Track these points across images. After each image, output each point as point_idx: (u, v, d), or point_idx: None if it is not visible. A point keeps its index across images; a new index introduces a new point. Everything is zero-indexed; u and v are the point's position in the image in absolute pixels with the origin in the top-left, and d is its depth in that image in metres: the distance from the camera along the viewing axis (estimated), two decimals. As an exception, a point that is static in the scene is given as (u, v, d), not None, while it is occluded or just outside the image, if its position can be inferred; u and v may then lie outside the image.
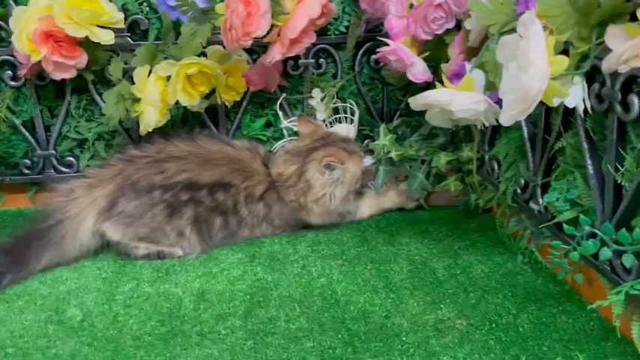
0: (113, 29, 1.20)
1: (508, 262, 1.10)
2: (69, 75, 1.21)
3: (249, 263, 1.16)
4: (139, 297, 1.06)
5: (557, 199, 0.86)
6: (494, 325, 0.93)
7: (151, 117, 1.16)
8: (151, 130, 1.19)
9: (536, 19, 0.71)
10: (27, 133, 1.34)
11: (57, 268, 1.15)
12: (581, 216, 0.82)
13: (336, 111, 1.40)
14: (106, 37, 1.17)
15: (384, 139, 1.25)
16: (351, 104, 1.37)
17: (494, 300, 0.99)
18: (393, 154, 1.25)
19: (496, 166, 1.13)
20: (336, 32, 1.35)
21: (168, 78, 1.18)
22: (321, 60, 1.36)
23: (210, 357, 0.88)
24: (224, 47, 1.20)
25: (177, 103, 1.22)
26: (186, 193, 1.17)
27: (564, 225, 0.84)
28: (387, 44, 1.12)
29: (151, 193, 1.16)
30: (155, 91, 1.14)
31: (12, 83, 1.29)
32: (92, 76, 1.27)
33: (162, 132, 1.32)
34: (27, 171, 1.37)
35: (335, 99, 1.36)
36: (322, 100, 1.35)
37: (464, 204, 1.27)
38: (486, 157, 1.16)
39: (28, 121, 1.34)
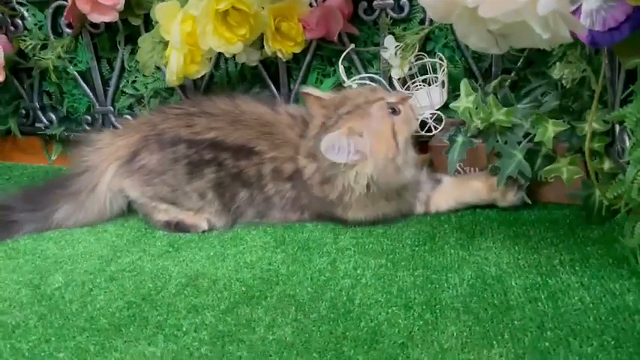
0: (155, -35, 1.05)
1: (629, 291, 0.69)
2: (109, 18, 1.09)
3: (272, 249, 0.92)
4: (131, 271, 0.89)
5: None
6: (573, 390, 0.56)
7: (173, 63, 0.98)
8: (175, 78, 1.01)
9: None
10: (85, 87, 1.26)
11: (82, 229, 1.04)
12: None
13: (423, 70, 1.08)
14: (142, -28, 1.03)
15: (465, 100, 0.91)
16: (440, 60, 1.04)
17: (583, 348, 0.61)
18: (477, 121, 0.90)
19: (628, 141, 0.72)
20: (422, -38, 1.03)
21: (205, 19, 0.99)
22: (404, 0, 1.06)
23: (148, 357, 0.67)
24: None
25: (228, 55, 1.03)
26: (210, 153, 0.98)
27: None
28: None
29: (175, 146, 0.99)
30: (177, 30, 0.95)
31: (68, 31, 1.22)
32: (139, 21, 1.14)
33: (216, 91, 1.15)
34: (88, 127, 1.30)
35: (417, 52, 1.05)
36: (397, 52, 1.04)
37: (583, 202, 0.87)
38: (617, 127, 0.76)
39: (89, 74, 1.27)
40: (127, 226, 1.06)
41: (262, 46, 1.08)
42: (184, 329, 0.72)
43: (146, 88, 1.24)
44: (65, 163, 1.40)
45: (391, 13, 1.06)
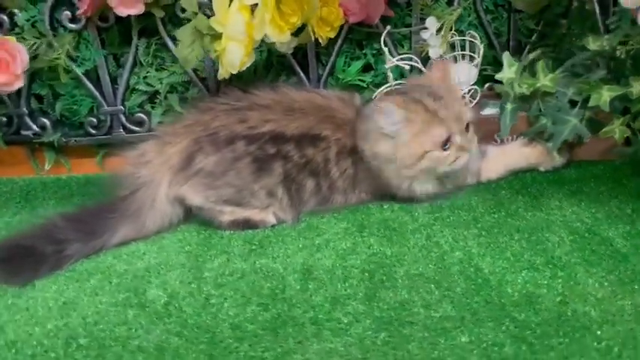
0: (187, -49, 0.99)
1: None
2: (136, 11, 1.02)
3: (358, 234, 0.94)
4: (232, 274, 0.86)
5: None
6: None
7: (234, 55, 0.94)
8: (235, 72, 0.97)
9: None
10: (91, 86, 1.16)
11: (135, 242, 0.97)
12: None
13: (451, 48, 1.14)
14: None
15: (509, 71, 1.00)
16: (472, 37, 1.11)
17: None
18: (523, 88, 0.99)
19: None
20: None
21: (253, 8, 0.96)
22: (436, -18, 1.11)
23: (333, 353, 0.67)
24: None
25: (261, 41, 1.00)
26: (273, 147, 0.96)
27: None
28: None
29: (232, 144, 0.96)
30: (240, 21, 0.92)
31: (71, 26, 1.10)
32: (162, 13, 1.07)
33: (243, 81, 1.11)
34: (93, 131, 1.20)
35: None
36: (438, 32, 1.09)
37: (630, 156, 1.00)
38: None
39: (92, 71, 1.16)
40: (181, 230, 1.01)
41: (296, 33, 1.07)
42: (345, 321, 0.73)
43: (161, 83, 1.17)
44: (61, 171, 1.27)
45: (424, -5, 1.10)
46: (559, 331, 0.67)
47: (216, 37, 0.97)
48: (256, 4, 0.94)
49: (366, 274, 0.82)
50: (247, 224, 0.99)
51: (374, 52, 1.15)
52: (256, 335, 0.72)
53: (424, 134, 0.92)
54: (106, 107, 1.17)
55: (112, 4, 0.98)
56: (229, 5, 0.96)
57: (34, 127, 1.20)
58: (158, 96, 1.19)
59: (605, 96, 0.95)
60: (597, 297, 0.72)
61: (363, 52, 1.17)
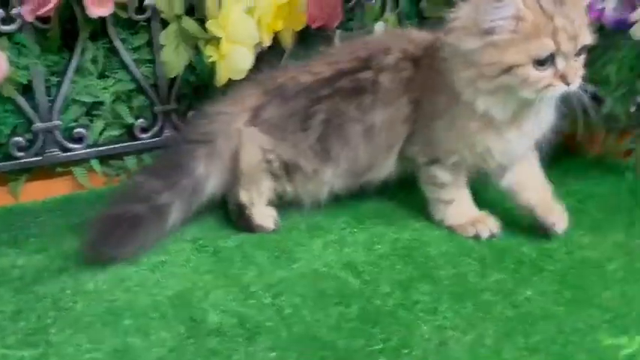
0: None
1: None
2: (106, 11, 0.90)
3: (362, 225, 0.99)
4: (281, 282, 0.85)
5: None
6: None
7: (243, 60, 0.91)
8: (241, 77, 0.94)
9: None
10: (22, 99, 0.97)
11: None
12: None
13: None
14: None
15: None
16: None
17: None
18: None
19: None
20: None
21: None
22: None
23: (448, 328, 0.75)
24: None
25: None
26: (327, 88, 0.95)
27: None
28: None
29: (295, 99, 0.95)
30: (250, 24, 0.90)
31: (4, 28, 0.91)
32: (126, 14, 0.96)
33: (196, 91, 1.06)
34: (20, 153, 1.00)
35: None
36: (385, 35, 1.20)
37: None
38: None
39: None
40: (175, 252, 0.92)
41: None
42: (427, 300, 0.80)
43: (107, 92, 1.04)
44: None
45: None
46: None
47: (211, 40, 0.92)
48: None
49: (406, 259, 0.90)
50: (247, 222, 0.97)
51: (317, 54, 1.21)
52: (362, 330, 0.75)
53: (525, 41, 0.75)
54: (39, 124, 0.99)
55: (86, 2, 0.84)
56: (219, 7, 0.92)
57: None
58: (97, 108, 1.05)
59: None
60: None
61: (308, 53, 1.21)
